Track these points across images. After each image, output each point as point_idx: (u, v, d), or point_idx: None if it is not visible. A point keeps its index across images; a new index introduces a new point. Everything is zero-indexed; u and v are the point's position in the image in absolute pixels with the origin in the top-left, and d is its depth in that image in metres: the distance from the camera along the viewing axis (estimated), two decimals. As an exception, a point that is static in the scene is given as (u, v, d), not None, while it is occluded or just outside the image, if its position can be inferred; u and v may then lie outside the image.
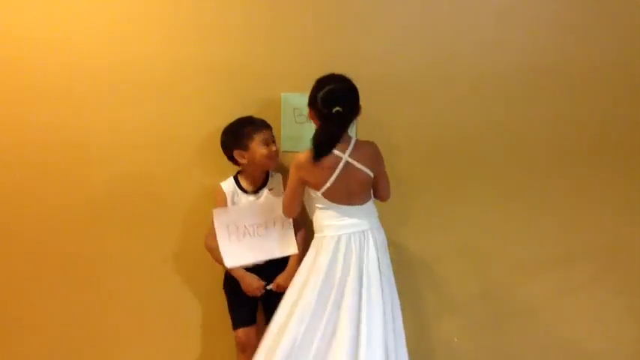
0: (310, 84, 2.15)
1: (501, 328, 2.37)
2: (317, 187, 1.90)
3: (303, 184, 1.94)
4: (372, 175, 1.93)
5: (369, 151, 1.94)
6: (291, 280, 1.96)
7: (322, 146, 1.86)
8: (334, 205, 1.92)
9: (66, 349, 2.32)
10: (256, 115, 2.21)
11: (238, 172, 2.14)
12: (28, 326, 2.31)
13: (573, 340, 2.35)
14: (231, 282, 2.10)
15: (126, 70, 2.20)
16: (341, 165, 1.87)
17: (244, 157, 2.04)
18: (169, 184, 2.26)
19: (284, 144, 2.23)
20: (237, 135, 2.04)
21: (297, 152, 2.13)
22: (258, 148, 2.04)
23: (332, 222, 1.93)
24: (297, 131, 2.21)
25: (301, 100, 2.18)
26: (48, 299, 2.30)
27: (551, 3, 2.15)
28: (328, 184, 1.88)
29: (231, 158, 2.06)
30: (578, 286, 2.32)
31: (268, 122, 2.13)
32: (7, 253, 2.27)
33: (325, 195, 1.91)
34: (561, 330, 2.35)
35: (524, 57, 2.18)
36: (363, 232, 1.92)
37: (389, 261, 1.99)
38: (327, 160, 1.87)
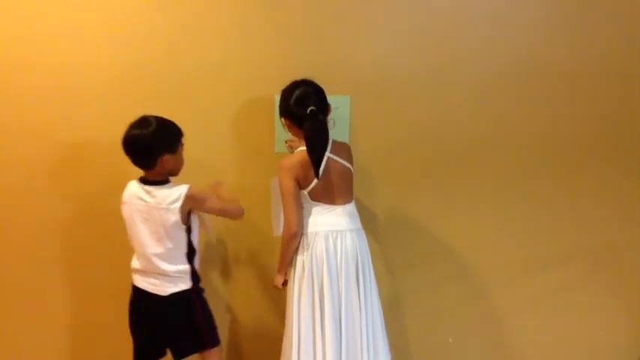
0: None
1: (495, 328, 2.38)
2: (305, 186, 1.92)
3: (298, 186, 1.93)
4: (352, 169, 1.98)
5: (346, 149, 2.00)
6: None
7: (318, 147, 1.85)
8: (317, 204, 1.95)
9: (56, 350, 2.32)
10: (249, 116, 2.21)
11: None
12: (19, 325, 2.31)
13: (567, 338, 2.36)
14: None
15: (119, 72, 2.19)
16: (324, 162, 1.89)
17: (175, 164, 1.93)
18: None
19: (277, 145, 2.22)
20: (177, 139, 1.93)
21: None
22: None
23: (310, 219, 1.95)
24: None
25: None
26: (40, 300, 2.31)
27: (544, 5, 2.14)
28: (314, 183, 1.90)
29: (155, 160, 1.86)
30: (571, 284, 2.32)
31: (261, 124, 2.10)
32: (0, 254, 2.27)
33: (311, 193, 1.93)
34: (555, 328, 2.35)
35: (520, 57, 2.15)
36: (341, 232, 1.93)
37: (369, 264, 1.99)
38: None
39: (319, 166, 1.86)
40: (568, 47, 2.14)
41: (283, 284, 2.02)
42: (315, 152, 1.84)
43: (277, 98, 2.17)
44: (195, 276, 1.96)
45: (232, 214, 2.00)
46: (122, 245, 2.30)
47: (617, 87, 2.16)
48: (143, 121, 1.85)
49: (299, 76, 2.15)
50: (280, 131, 2.20)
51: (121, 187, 2.21)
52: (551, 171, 2.24)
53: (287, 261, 1.99)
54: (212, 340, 2.01)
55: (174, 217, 1.85)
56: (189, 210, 1.90)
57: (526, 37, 2.13)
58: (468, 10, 2.13)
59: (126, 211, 1.91)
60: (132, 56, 2.18)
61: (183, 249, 1.91)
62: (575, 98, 2.18)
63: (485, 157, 2.25)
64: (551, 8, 2.11)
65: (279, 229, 2.03)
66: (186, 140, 2.19)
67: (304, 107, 1.84)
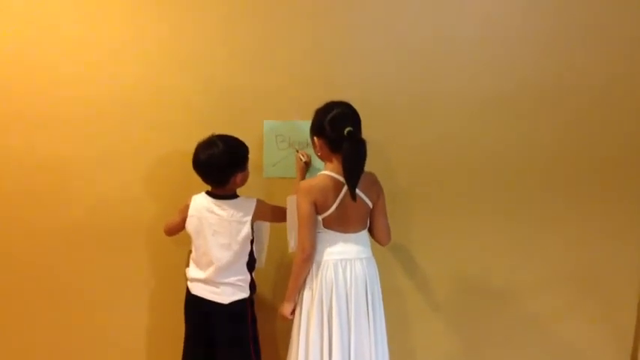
0: (292, 112, 2.19)
1: (487, 353, 2.38)
2: (321, 212, 1.88)
3: (315, 210, 1.87)
4: (370, 205, 1.93)
5: (368, 180, 1.91)
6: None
7: (355, 171, 1.79)
8: (328, 231, 1.92)
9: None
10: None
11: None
12: (10, 345, 2.27)
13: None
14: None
15: (108, 96, 2.18)
16: (343, 192, 1.87)
17: (243, 179, 2.02)
18: (152, 208, 2.24)
19: (266, 170, 2.24)
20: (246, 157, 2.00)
21: (280, 178, 2.19)
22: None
23: (321, 247, 1.91)
24: (279, 158, 2.22)
25: (283, 127, 2.21)
26: (29, 320, 2.28)
27: (533, 27, 2.22)
28: (331, 210, 1.87)
29: (228, 179, 1.95)
30: (562, 309, 2.34)
31: (250, 149, 2.13)
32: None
33: (325, 220, 1.90)
34: (548, 353, 2.37)
35: (513, 80, 2.22)
36: (351, 260, 1.91)
37: (379, 293, 1.97)
38: (332, 186, 1.86)
39: (355, 189, 1.81)
40: (559, 68, 2.22)
41: (291, 313, 1.95)
42: (352, 176, 1.79)
43: (266, 123, 2.22)
44: (252, 285, 2.03)
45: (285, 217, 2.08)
46: (111, 266, 2.31)
47: (610, 110, 2.24)
48: (214, 143, 1.92)
49: (287, 102, 2.19)
50: (269, 156, 2.23)
51: (109, 210, 2.24)
52: (544, 196, 2.28)
53: (298, 286, 1.92)
54: (257, 358, 2.05)
55: (247, 229, 1.95)
56: (255, 221, 1.99)
57: (520, 61, 2.22)
58: (461, 33, 2.20)
59: (194, 223, 1.98)
60: (121, 82, 2.18)
61: (246, 259, 2.00)
62: (565, 123, 2.25)
63: (475, 184, 2.29)
64: (541, 29, 2.20)
65: (294, 245, 1.99)
66: (175, 166, 2.22)
67: (340, 128, 1.79)
